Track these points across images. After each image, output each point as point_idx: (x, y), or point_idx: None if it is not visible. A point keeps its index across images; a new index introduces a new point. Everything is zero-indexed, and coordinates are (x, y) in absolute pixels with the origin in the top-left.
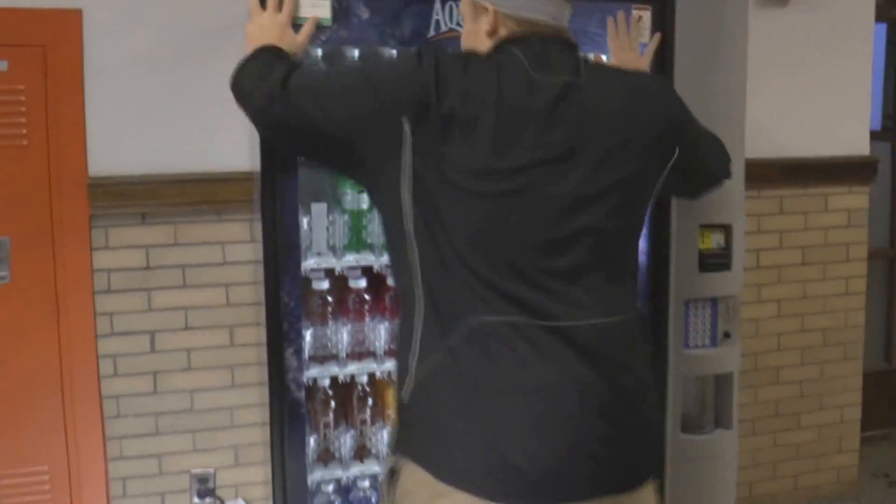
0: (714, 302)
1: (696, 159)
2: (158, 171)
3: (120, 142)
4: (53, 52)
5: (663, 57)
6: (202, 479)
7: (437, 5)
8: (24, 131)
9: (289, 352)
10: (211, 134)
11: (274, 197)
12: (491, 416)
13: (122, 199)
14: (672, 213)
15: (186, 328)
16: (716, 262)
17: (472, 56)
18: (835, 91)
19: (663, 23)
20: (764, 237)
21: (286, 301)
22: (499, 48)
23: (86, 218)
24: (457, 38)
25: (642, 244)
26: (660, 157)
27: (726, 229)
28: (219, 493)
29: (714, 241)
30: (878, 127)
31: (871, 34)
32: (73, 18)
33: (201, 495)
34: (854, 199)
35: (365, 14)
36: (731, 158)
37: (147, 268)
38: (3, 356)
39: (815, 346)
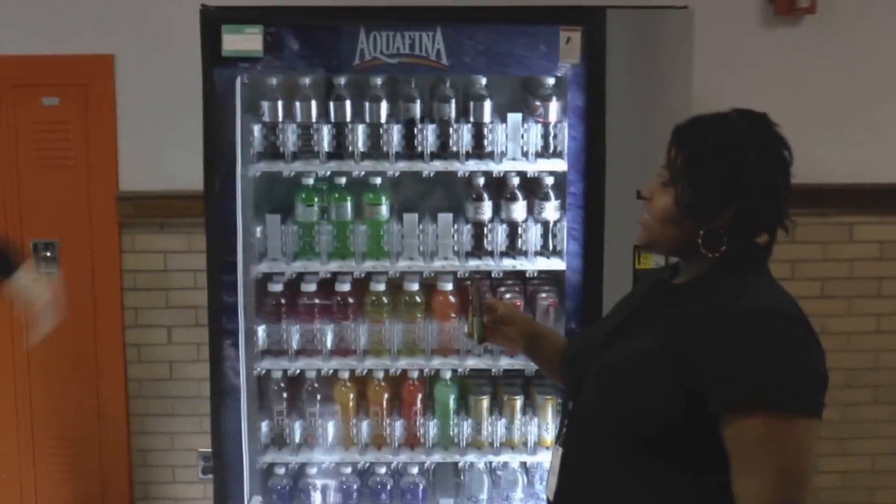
0: None
1: None
2: (174, 188)
3: (144, 163)
4: (93, 90)
5: (595, 79)
6: (206, 458)
7: (362, 35)
8: (71, 154)
9: (227, 343)
10: None
11: (217, 216)
12: None
13: (144, 211)
14: (606, 234)
15: (196, 325)
16: None
17: None
18: (868, 113)
19: (594, 44)
20: (772, 266)
21: (226, 300)
22: None
23: (116, 225)
24: (381, 66)
25: (576, 262)
26: None
27: None
28: None
29: (654, 261)
30: None
31: None
32: (106, 62)
33: (205, 472)
34: (888, 231)
35: (295, 45)
36: None
37: (165, 270)
38: (50, 341)
39: (835, 386)
